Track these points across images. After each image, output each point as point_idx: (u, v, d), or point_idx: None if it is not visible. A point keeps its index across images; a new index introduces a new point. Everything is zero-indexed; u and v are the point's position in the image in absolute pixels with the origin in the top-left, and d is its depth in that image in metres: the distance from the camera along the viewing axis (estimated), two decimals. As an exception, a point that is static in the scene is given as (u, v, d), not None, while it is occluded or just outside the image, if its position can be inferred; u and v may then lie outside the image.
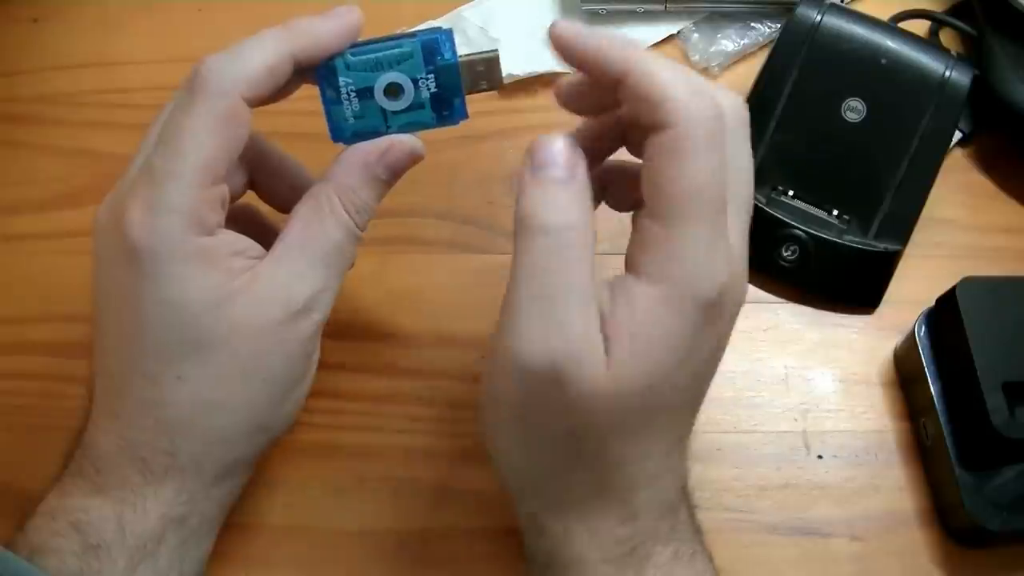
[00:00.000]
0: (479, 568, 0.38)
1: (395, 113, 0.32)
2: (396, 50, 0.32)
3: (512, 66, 0.49)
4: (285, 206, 0.36)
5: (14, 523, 0.31)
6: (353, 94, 0.32)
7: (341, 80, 0.32)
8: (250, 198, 0.37)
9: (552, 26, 0.29)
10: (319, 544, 0.38)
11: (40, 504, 0.31)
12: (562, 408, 0.28)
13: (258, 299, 0.31)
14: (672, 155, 0.27)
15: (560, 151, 0.29)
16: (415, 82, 0.32)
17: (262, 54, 0.30)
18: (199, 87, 0.30)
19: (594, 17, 0.52)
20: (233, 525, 0.37)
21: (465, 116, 0.33)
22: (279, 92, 0.32)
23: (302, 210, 0.32)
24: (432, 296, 0.44)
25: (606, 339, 0.28)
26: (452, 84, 0.32)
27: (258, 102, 0.31)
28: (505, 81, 0.49)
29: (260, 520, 0.38)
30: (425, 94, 0.32)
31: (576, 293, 0.28)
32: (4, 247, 0.45)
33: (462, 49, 0.32)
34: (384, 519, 0.39)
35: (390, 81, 0.32)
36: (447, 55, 0.32)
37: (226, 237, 0.31)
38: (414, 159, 0.33)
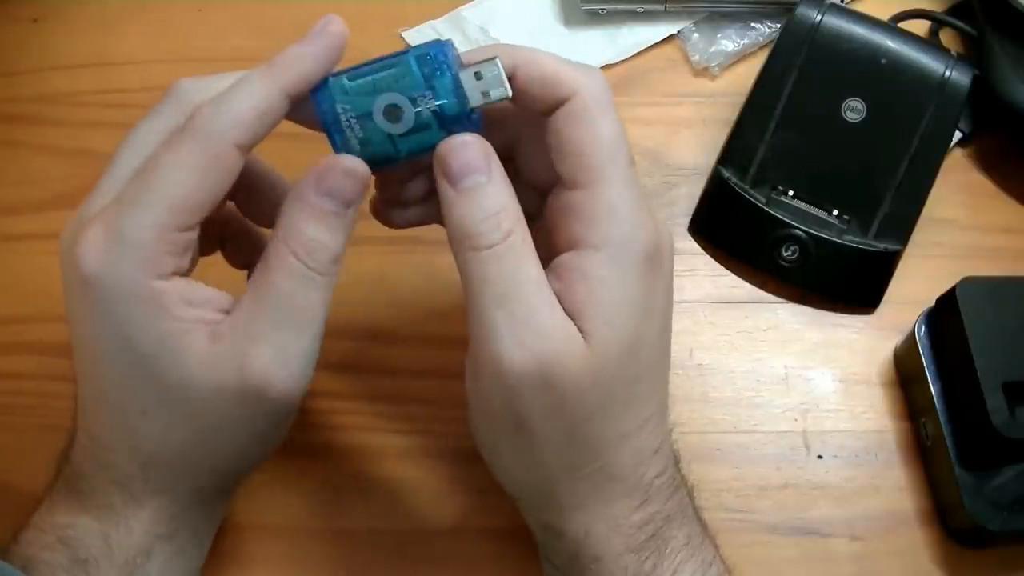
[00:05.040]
0: (480, 568, 0.38)
1: (401, 136, 0.30)
2: (391, 69, 0.30)
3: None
4: (266, 221, 0.35)
5: (14, 523, 0.31)
6: (353, 120, 0.30)
7: (339, 107, 0.30)
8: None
9: None
10: (318, 544, 0.38)
11: (33, 516, 0.31)
12: (560, 403, 0.29)
13: (214, 360, 0.28)
14: (581, 121, 0.29)
15: (472, 151, 0.29)
16: (413, 100, 0.30)
17: (252, 99, 0.28)
18: (192, 128, 0.28)
19: (594, 17, 0.52)
20: (232, 525, 0.37)
21: (479, 128, 0.30)
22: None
23: (257, 266, 0.29)
24: (432, 296, 0.44)
25: (574, 318, 0.29)
26: (453, 97, 0.30)
27: (250, 148, 0.29)
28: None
29: (259, 520, 0.38)
30: (426, 113, 0.30)
31: (533, 285, 0.29)
32: (4, 247, 0.45)
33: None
34: (384, 519, 0.39)
35: (387, 103, 0.30)
36: (444, 68, 0.29)
37: (178, 284, 0.29)
38: (359, 179, 0.30)
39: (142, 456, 0.30)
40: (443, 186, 0.29)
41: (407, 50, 0.30)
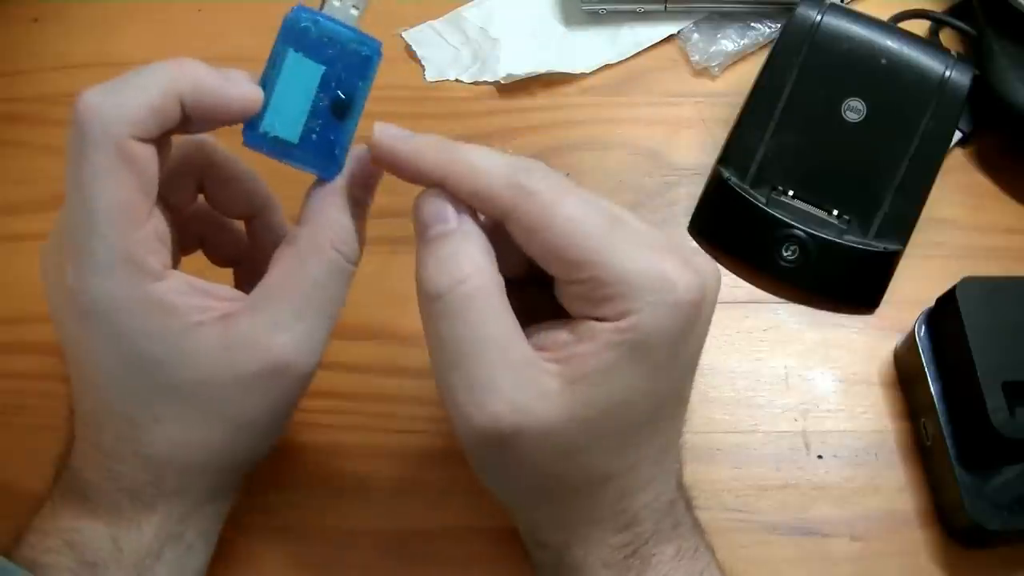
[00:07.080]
0: (479, 568, 0.38)
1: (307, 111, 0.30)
2: (283, 69, 0.29)
3: (512, 66, 0.49)
4: (237, 214, 0.35)
5: (14, 524, 0.31)
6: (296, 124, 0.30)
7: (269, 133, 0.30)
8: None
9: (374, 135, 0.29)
10: (319, 544, 0.38)
11: (34, 520, 0.31)
12: (529, 456, 0.28)
13: (233, 349, 0.29)
14: (541, 225, 0.27)
15: (442, 203, 0.29)
16: (330, 78, 0.30)
17: (145, 93, 0.28)
18: (84, 131, 0.27)
19: (594, 17, 0.52)
20: (233, 525, 0.37)
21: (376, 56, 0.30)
22: (180, 129, 0.29)
23: (280, 255, 0.30)
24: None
25: (561, 367, 0.28)
26: (331, 38, 0.29)
27: (156, 137, 0.28)
28: (504, 81, 0.49)
29: (259, 520, 0.38)
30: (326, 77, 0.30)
31: (492, 345, 0.28)
32: (4, 247, 0.45)
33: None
34: (384, 519, 0.39)
35: (284, 83, 0.29)
36: (309, 20, 0.29)
37: (174, 279, 0.29)
38: (371, 163, 0.30)
39: (155, 464, 0.30)
40: (417, 240, 0.29)
41: (279, 44, 0.30)
